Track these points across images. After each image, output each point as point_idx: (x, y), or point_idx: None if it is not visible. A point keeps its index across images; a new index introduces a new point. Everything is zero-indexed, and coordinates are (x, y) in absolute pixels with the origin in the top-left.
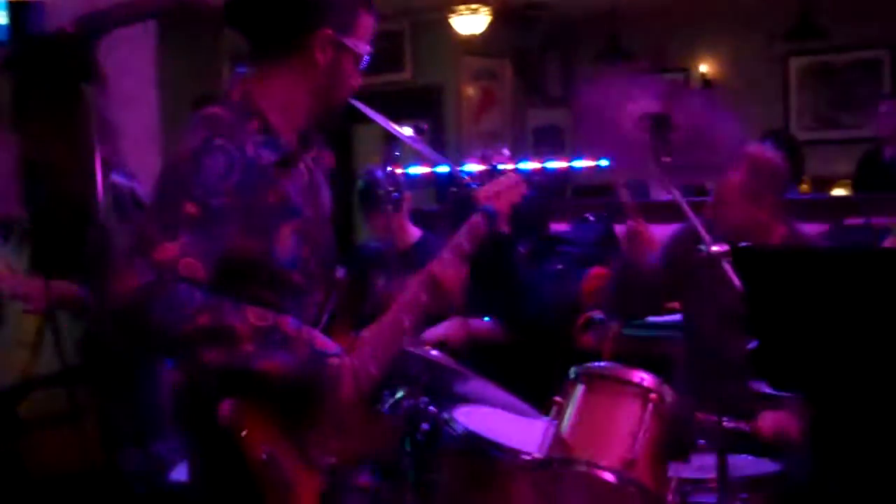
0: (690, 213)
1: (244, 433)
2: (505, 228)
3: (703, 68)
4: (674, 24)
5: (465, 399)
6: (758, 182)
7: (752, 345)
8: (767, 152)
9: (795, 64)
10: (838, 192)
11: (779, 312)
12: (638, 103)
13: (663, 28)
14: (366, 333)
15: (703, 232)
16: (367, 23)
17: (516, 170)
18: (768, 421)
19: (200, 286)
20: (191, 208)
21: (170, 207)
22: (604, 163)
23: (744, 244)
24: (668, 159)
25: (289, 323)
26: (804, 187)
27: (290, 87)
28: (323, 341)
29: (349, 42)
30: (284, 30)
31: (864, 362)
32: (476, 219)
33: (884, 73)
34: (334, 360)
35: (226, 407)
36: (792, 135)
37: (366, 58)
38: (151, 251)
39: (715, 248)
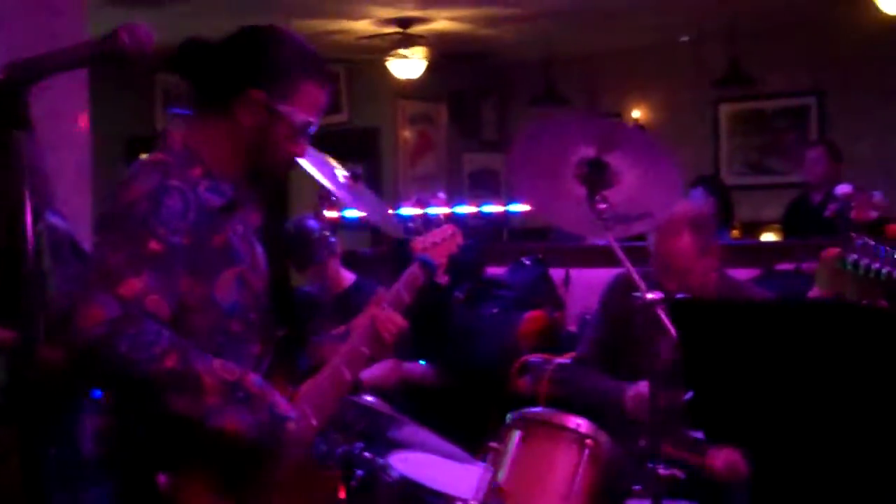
0: (625, 260)
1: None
2: (442, 279)
3: (636, 114)
4: (607, 70)
5: (401, 445)
6: (703, 236)
7: (688, 395)
8: (695, 204)
9: (725, 110)
10: (767, 236)
11: (714, 364)
12: (575, 149)
13: (597, 74)
14: (306, 387)
15: (638, 279)
16: (313, 94)
17: (452, 217)
18: (720, 458)
19: (165, 325)
20: (155, 246)
21: (133, 244)
22: (515, 208)
23: (680, 296)
24: (604, 206)
25: (253, 380)
26: (735, 233)
27: (222, 141)
28: (283, 404)
29: (283, 109)
30: (219, 84)
31: (797, 413)
32: (414, 270)
33: (811, 119)
34: (291, 426)
35: (163, 478)
36: (722, 180)
37: (309, 128)
38: (116, 286)
39: (650, 296)
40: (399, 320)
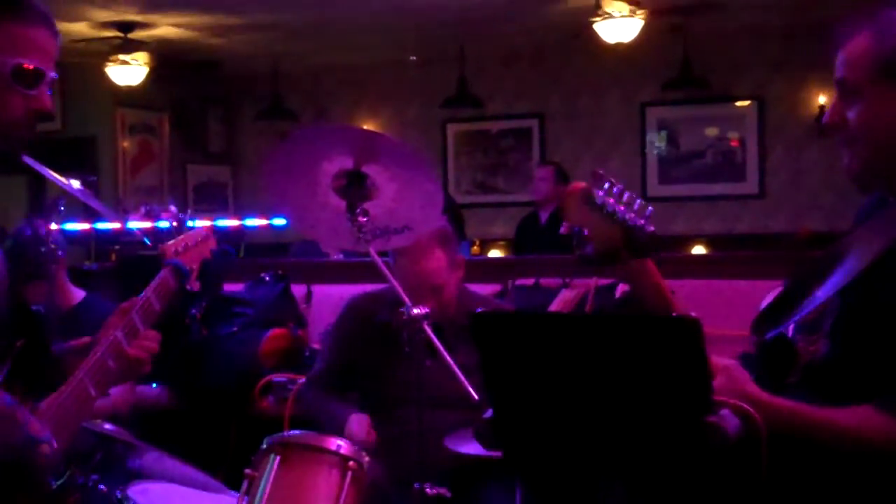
0: (389, 275)
1: None
2: (194, 286)
3: None
4: (336, 85)
5: (142, 475)
6: (452, 251)
7: (488, 414)
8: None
9: (453, 130)
10: (495, 252)
11: (515, 380)
12: (333, 159)
13: (326, 89)
14: (47, 404)
15: (403, 294)
16: (15, 32)
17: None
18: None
19: None
20: None
21: None
22: (278, 221)
23: (481, 310)
24: (364, 219)
25: (2, 400)
26: (475, 249)
27: None
28: (35, 425)
29: None
30: None
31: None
32: (165, 275)
33: (533, 140)
34: (45, 448)
35: None
36: (453, 198)
37: (35, 74)
38: None
39: (416, 311)
40: (154, 333)
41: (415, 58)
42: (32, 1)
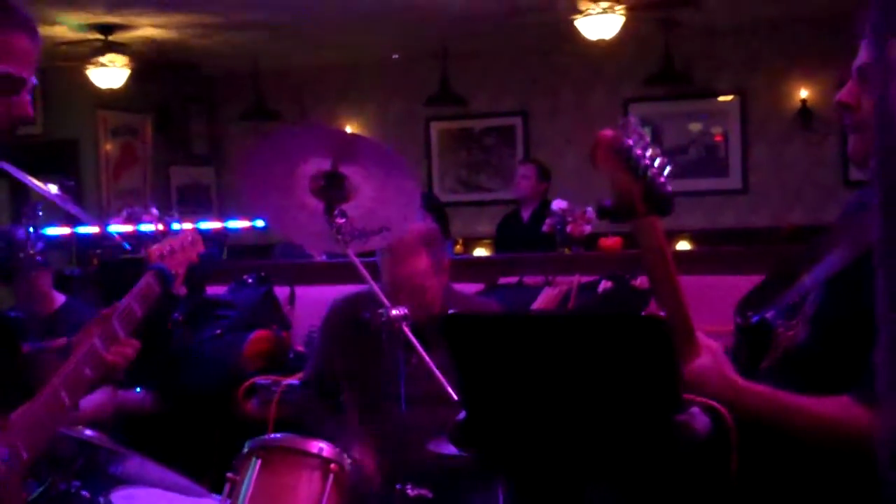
0: (368, 277)
1: None
2: (180, 290)
3: (349, 130)
4: (319, 84)
5: (124, 481)
6: (437, 253)
7: (461, 416)
8: (423, 223)
9: (436, 128)
10: (480, 251)
11: (487, 381)
12: (309, 161)
13: (308, 88)
14: (18, 414)
15: (382, 296)
16: None
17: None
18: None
19: None
20: None
21: None
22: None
23: (452, 311)
24: (342, 220)
25: None
26: (458, 248)
27: None
28: None
29: None
30: None
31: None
32: (148, 280)
33: (517, 139)
34: (1, 468)
35: None
36: (437, 197)
37: (14, 80)
38: None
39: (395, 312)
40: (133, 340)
41: (397, 56)
42: (13, 6)
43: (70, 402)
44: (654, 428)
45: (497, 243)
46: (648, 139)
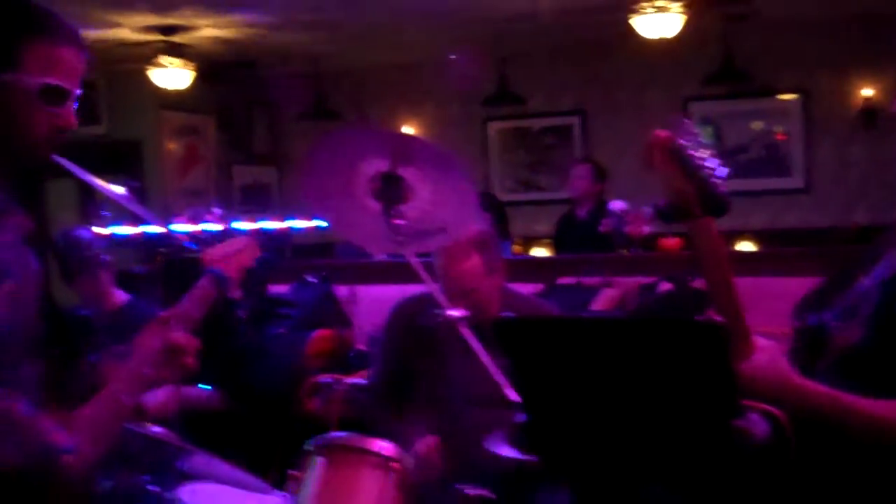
0: (427, 277)
1: None
2: (235, 294)
3: (407, 130)
4: (377, 85)
5: (190, 476)
6: (490, 256)
7: (520, 418)
8: (476, 224)
9: (494, 127)
10: (539, 251)
11: (544, 385)
12: (368, 163)
13: (367, 89)
14: (82, 412)
15: (440, 297)
16: (42, 51)
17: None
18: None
19: None
20: None
21: None
22: (321, 223)
23: (506, 315)
24: (400, 221)
25: (21, 408)
26: (516, 248)
27: None
28: (58, 434)
29: (8, 78)
30: None
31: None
32: (204, 284)
33: (575, 138)
34: (68, 458)
35: None
36: (496, 196)
37: (62, 92)
38: None
39: (453, 313)
40: (188, 339)
41: (455, 56)
42: (61, 20)
43: (130, 401)
44: (711, 432)
45: (555, 243)
46: (703, 139)
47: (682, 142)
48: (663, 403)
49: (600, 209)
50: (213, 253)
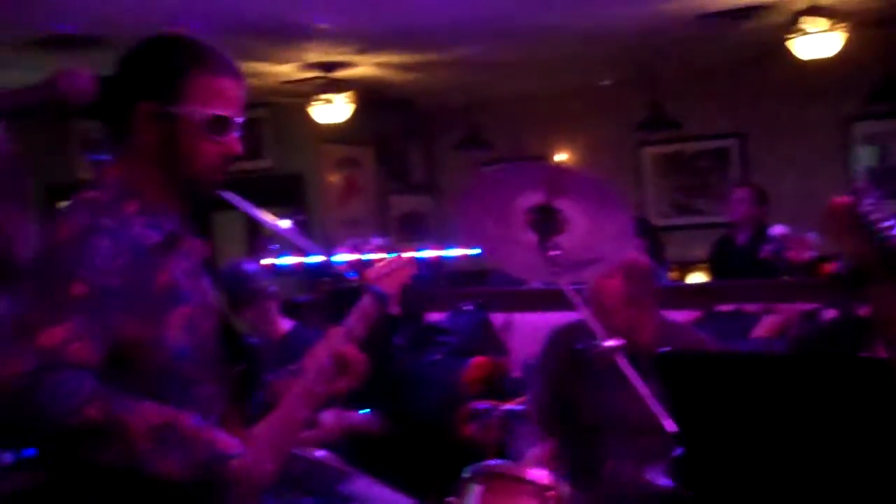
0: (582, 307)
1: None
2: (395, 310)
3: (561, 157)
4: (530, 113)
5: (351, 499)
6: (636, 287)
7: (677, 452)
8: (636, 255)
9: (648, 153)
10: (696, 276)
11: (704, 419)
12: (524, 195)
13: (520, 117)
14: (259, 429)
15: (596, 326)
16: (209, 85)
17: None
18: None
19: (92, 372)
20: (79, 289)
21: (55, 290)
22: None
23: (665, 349)
24: (556, 252)
25: (187, 420)
26: (673, 274)
27: (145, 167)
28: (224, 441)
29: (179, 110)
30: (112, 113)
31: (790, 471)
32: (366, 301)
33: (733, 160)
34: (236, 463)
35: None
36: (650, 221)
37: (224, 121)
38: (36, 336)
39: (609, 343)
40: (355, 354)
41: (608, 82)
42: (218, 53)
43: (304, 417)
44: (877, 470)
45: (712, 268)
46: (884, 201)
47: (863, 206)
48: (830, 442)
49: (760, 234)
50: (373, 272)
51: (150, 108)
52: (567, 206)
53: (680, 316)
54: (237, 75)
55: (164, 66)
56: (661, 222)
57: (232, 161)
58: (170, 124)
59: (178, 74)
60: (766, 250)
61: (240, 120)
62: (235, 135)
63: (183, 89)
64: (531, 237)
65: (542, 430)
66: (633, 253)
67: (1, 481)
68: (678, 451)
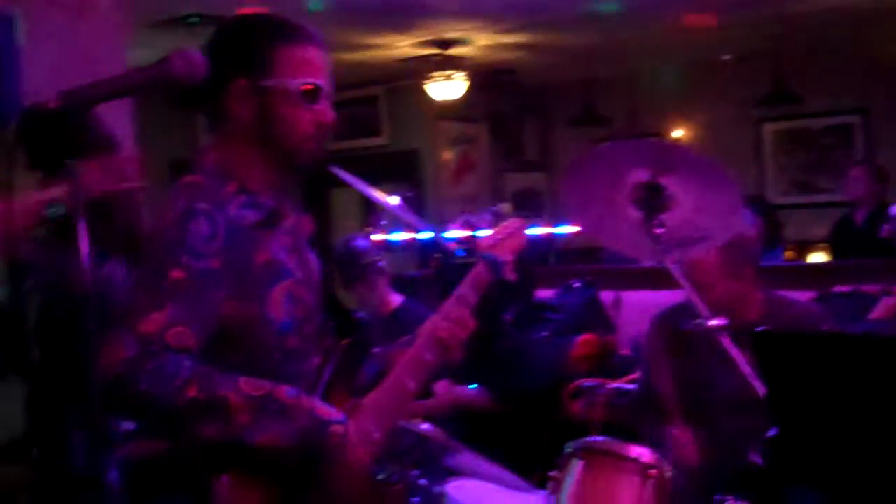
0: (687, 286)
1: None
2: (511, 276)
3: (677, 134)
4: (648, 89)
5: (456, 472)
6: (734, 258)
7: (772, 433)
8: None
9: (769, 129)
10: (816, 256)
11: (800, 399)
12: (629, 172)
13: (637, 93)
14: (369, 398)
15: (701, 305)
16: (293, 56)
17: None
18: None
19: (191, 354)
20: (177, 274)
21: (156, 276)
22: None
23: (762, 328)
24: (661, 230)
25: (285, 391)
26: (789, 254)
27: (243, 147)
28: (324, 409)
29: (271, 83)
30: (206, 94)
31: (888, 454)
32: (479, 268)
33: (856, 137)
34: (338, 429)
35: (220, 484)
36: (767, 200)
37: (314, 90)
38: (137, 323)
39: (713, 322)
40: (465, 320)
41: (728, 56)
42: (299, 24)
43: (414, 386)
44: None
45: (832, 247)
46: None
47: None
48: None
49: (880, 213)
50: (486, 240)
51: (242, 86)
52: (673, 184)
53: (796, 296)
54: (321, 44)
55: (252, 43)
56: (780, 200)
57: (326, 130)
58: (264, 98)
59: (266, 48)
60: (886, 229)
61: (328, 88)
62: (326, 102)
63: (272, 62)
64: (637, 214)
65: (648, 409)
66: (740, 230)
67: (128, 445)
68: (772, 432)
